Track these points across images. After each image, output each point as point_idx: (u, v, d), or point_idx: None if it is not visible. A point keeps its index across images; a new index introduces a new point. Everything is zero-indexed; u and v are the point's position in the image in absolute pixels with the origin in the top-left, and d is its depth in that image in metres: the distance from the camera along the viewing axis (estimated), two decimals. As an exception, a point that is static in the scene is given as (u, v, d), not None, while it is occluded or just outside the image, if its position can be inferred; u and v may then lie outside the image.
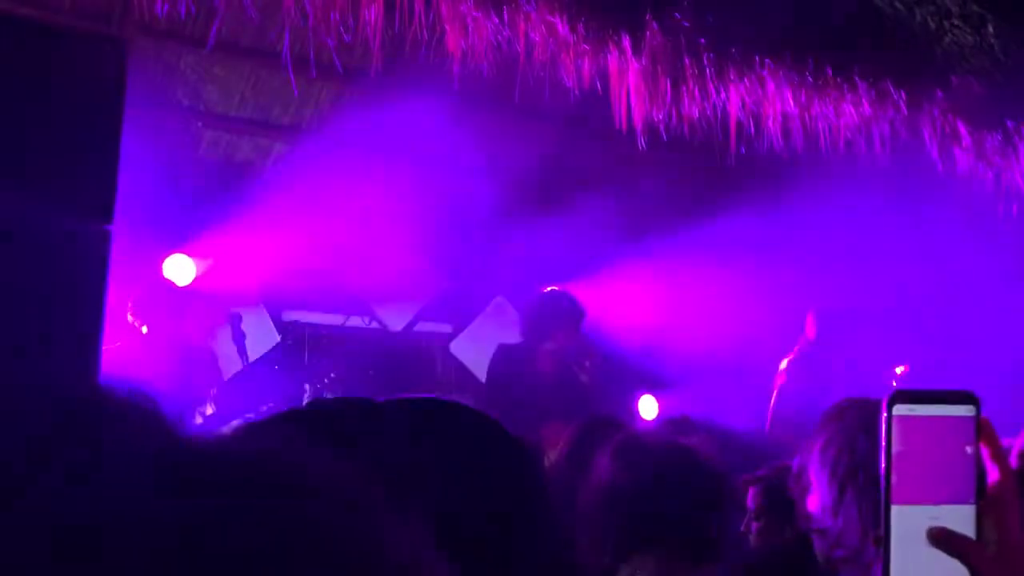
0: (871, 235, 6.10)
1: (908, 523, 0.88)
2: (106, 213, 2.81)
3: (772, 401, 5.32)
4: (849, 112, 3.74)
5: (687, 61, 3.36)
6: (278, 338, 6.37)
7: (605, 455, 2.13)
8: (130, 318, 4.63)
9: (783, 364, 5.41)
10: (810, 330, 5.48)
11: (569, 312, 5.23)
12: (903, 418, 0.90)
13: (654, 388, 6.78)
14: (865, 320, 5.67)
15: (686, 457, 2.09)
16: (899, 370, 5.51)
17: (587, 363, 5.35)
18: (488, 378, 5.28)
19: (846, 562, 1.53)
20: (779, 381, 5.38)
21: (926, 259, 5.82)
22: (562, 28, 3.20)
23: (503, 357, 5.27)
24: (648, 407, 6.64)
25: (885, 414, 0.90)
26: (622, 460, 2.08)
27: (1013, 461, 1.22)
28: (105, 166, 2.80)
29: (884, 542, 0.88)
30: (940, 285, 5.73)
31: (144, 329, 4.57)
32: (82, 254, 2.74)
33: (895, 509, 0.88)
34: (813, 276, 6.07)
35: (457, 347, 7.39)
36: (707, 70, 3.44)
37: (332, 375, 6.22)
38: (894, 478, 0.89)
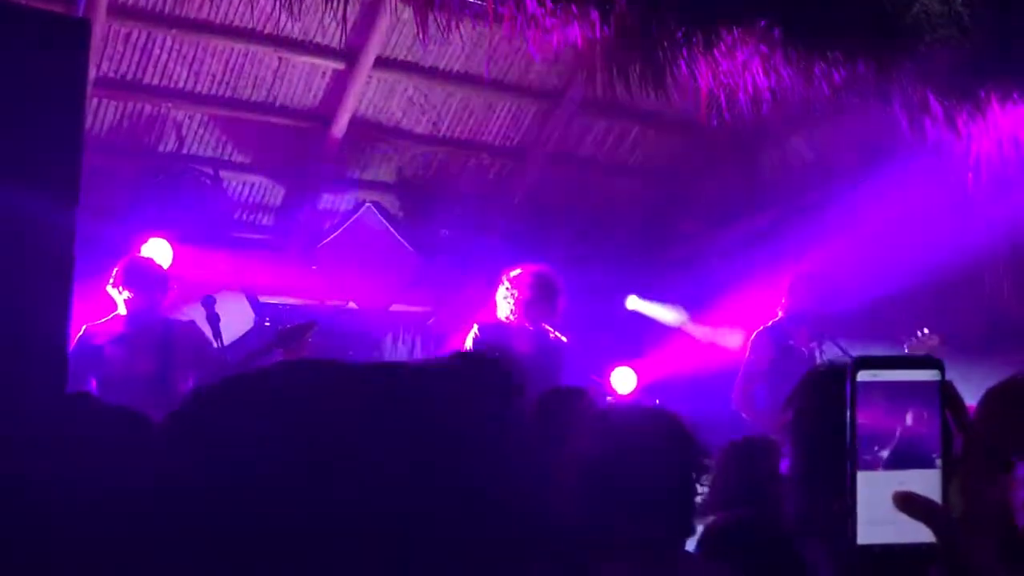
0: (851, 208, 6.14)
1: (874, 488, 0.89)
2: (71, 195, 2.79)
3: (740, 373, 5.33)
4: (819, 82, 3.75)
5: (656, 32, 3.35)
6: (253, 321, 6.35)
7: (582, 429, 2.11)
8: (111, 288, 4.60)
9: (752, 336, 5.41)
10: (784, 300, 5.47)
11: (550, 290, 5.23)
12: (867, 384, 0.91)
13: (631, 359, 6.83)
14: (848, 294, 5.69)
15: (670, 424, 2.07)
16: (921, 332, 5.49)
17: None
18: (466, 356, 5.27)
19: (810, 528, 1.55)
20: (749, 354, 5.38)
21: (907, 230, 5.86)
22: (530, 2, 3.19)
23: (480, 335, 5.27)
24: (624, 379, 6.67)
25: (849, 381, 0.91)
26: (601, 429, 2.07)
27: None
28: (69, 148, 2.78)
29: (850, 508, 0.89)
30: (922, 256, 5.76)
31: (127, 295, 4.54)
32: (48, 236, 2.72)
33: (861, 475, 0.89)
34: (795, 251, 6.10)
35: (436, 325, 7.40)
36: (676, 42, 3.43)
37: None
38: (860, 444, 0.90)
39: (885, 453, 0.90)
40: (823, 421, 1.57)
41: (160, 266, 4.89)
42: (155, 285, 4.65)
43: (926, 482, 0.89)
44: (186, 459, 1.03)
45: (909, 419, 0.91)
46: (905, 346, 5.54)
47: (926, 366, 0.92)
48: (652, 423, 2.09)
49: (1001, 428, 1.30)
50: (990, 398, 1.37)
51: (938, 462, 0.90)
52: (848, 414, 0.91)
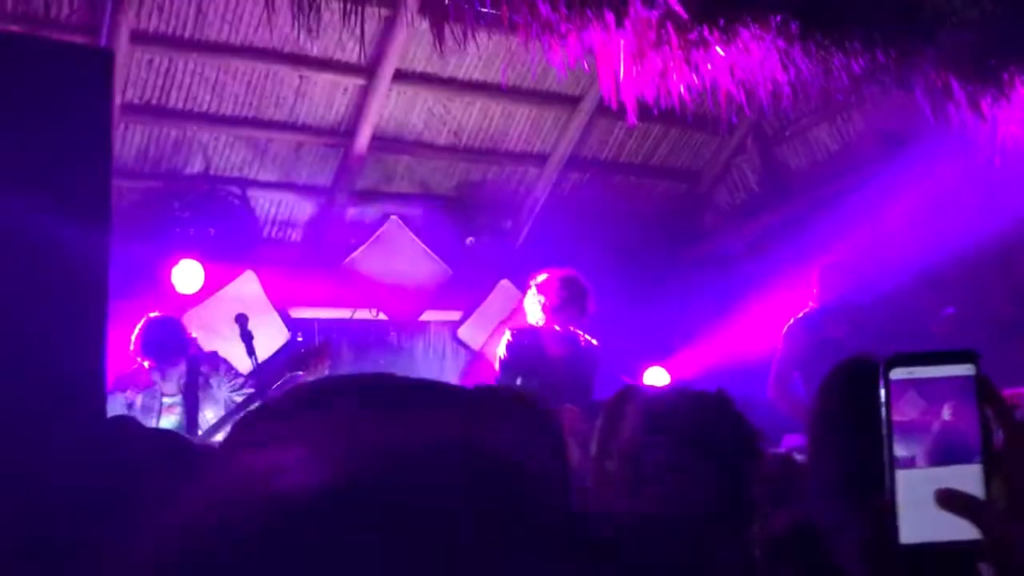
0: (877, 197, 6.09)
1: (914, 487, 0.87)
2: (103, 222, 2.84)
3: (774, 365, 5.30)
4: (839, 73, 3.73)
5: (672, 32, 3.36)
6: (287, 336, 6.41)
7: (630, 411, 2.03)
8: (133, 353, 4.72)
9: (786, 328, 5.38)
10: (815, 291, 5.44)
11: (578, 293, 5.24)
12: (901, 382, 0.90)
13: (663, 359, 6.81)
14: (880, 282, 5.64)
15: (719, 407, 1.97)
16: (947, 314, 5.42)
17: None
18: (499, 362, 5.30)
19: (847, 528, 1.54)
20: (782, 345, 5.35)
21: (935, 217, 5.80)
22: (544, 8, 3.20)
23: (513, 340, 5.29)
24: (657, 379, 6.66)
25: (882, 380, 0.90)
26: (648, 414, 1.98)
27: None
28: (98, 177, 2.83)
29: (891, 507, 0.88)
30: (951, 241, 5.70)
31: (148, 363, 4.67)
32: (83, 262, 2.77)
33: (900, 473, 0.88)
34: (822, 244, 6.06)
35: (465, 332, 7.43)
36: (691, 42, 3.43)
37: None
38: (897, 442, 0.89)
39: (924, 450, 0.89)
40: (855, 419, 1.57)
41: (176, 325, 4.94)
42: (174, 349, 4.74)
43: (968, 478, 0.87)
44: (229, 485, 1.04)
45: (947, 414, 0.90)
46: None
47: (960, 360, 0.91)
48: (696, 403, 2.00)
49: None
50: None
51: (979, 457, 0.88)
52: (883, 413, 0.90)
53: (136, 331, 4.77)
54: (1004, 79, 3.99)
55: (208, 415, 4.66)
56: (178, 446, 1.85)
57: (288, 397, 1.06)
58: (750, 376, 5.72)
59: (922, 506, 0.87)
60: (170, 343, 4.75)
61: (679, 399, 2.04)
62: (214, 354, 4.89)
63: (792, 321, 5.40)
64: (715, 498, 1.86)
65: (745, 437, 1.94)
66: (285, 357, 4.75)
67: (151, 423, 4.55)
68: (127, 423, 2.14)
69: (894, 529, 0.88)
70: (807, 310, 5.41)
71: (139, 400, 4.64)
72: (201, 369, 4.76)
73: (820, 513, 1.70)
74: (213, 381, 4.79)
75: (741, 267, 7.22)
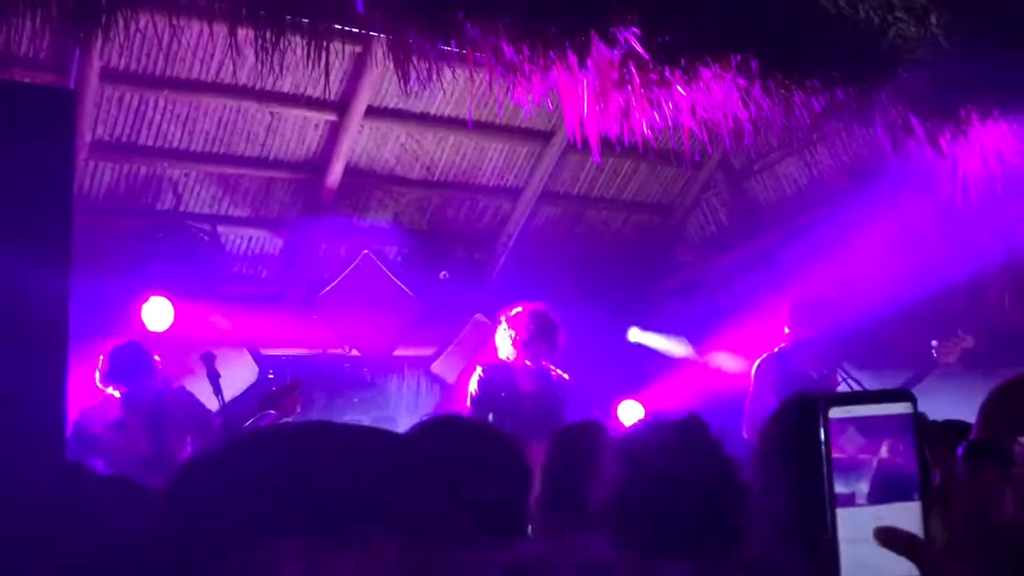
0: (847, 230, 6.16)
1: (855, 524, 0.88)
2: (63, 262, 2.83)
3: (747, 402, 5.32)
4: (799, 111, 3.79)
5: (634, 72, 3.40)
6: (257, 373, 6.37)
7: (610, 453, 2.05)
8: (99, 383, 4.66)
9: (757, 363, 5.40)
10: (787, 327, 5.47)
11: (548, 327, 5.26)
12: (840, 420, 0.91)
13: (636, 392, 6.82)
14: (849, 317, 5.68)
15: (699, 444, 1.99)
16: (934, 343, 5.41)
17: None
18: (470, 398, 5.29)
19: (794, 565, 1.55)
20: (754, 381, 5.37)
21: (903, 250, 5.87)
22: (508, 50, 3.24)
23: (484, 376, 5.30)
24: (631, 413, 6.66)
25: (821, 419, 0.91)
26: (628, 454, 2.00)
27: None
28: (59, 216, 2.82)
29: (831, 546, 0.88)
30: (921, 274, 5.76)
31: (115, 391, 4.61)
32: (42, 303, 2.75)
33: (841, 512, 0.89)
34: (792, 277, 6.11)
35: (439, 367, 7.41)
36: (653, 81, 3.48)
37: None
38: (837, 480, 0.90)
39: (863, 488, 0.90)
40: (801, 457, 1.58)
41: (142, 352, 4.89)
42: (140, 375, 4.69)
43: (906, 515, 0.88)
44: (180, 524, 1.05)
45: (885, 453, 0.91)
46: (934, 350, 5.44)
47: (897, 399, 0.92)
48: (677, 440, 2.01)
49: (999, 422, 1.30)
50: (990, 396, 1.37)
51: (917, 495, 0.89)
52: (823, 451, 0.91)
53: (101, 361, 4.72)
54: (962, 116, 4.07)
55: (176, 453, 4.61)
56: (129, 492, 1.84)
57: (227, 446, 1.08)
58: (724, 408, 5.73)
59: (862, 544, 0.88)
60: (137, 367, 4.70)
61: (656, 438, 2.06)
62: (182, 391, 4.84)
63: (762, 358, 5.43)
64: (699, 528, 1.89)
65: (724, 468, 1.96)
66: (256, 396, 4.72)
67: (119, 456, 4.49)
68: (80, 470, 2.12)
69: (835, 567, 0.88)
70: (779, 346, 5.45)
71: (107, 435, 4.58)
72: (168, 407, 4.71)
73: (771, 551, 1.70)
74: (182, 419, 4.73)
75: (713, 299, 7.26)
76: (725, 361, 6.88)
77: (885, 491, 0.90)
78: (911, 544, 0.87)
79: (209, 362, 4.47)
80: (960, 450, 1.23)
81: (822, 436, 0.91)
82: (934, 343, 5.43)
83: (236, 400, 5.51)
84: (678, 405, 6.81)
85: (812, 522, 1.57)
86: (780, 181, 7.32)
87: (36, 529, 1.75)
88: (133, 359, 4.75)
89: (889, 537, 0.87)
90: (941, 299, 5.93)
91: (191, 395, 4.72)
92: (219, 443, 1.08)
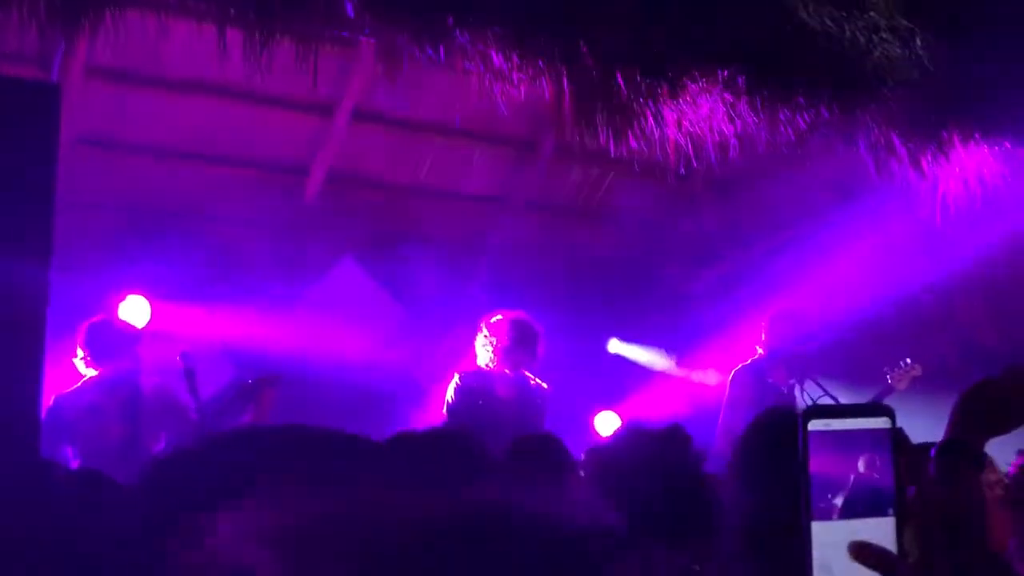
0: (827, 246, 6.21)
1: (829, 538, 0.88)
2: (43, 257, 2.80)
3: (722, 413, 5.35)
4: (784, 128, 3.82)
5: (621, 84, 3.42)
6: (233, 376, 6.32)
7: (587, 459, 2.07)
8: (76, 359, 4.58)
9: (732, 375, 5.44)
10: (763, 338, 5.51)
11: (529, 336, 5.26)
12: (819, 433, 0.90)
13: (614, 403, 6.83)
14: (825, 331, 5.73)
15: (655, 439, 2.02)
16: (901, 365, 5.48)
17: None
18: (447, 406, 5.28)
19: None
20: (729, 392, 5.40)
21: (882, 267, 5.92)
22: (496, 58, 3.25)
23: (461, 384, 5.29)
24: (607, 423, 6.67)
25: (800, 431, 0.91)
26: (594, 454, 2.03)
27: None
28: (41, 211, 2.80)
29: (805, 559, 0.88)
30: (897, 292, 5.82)
31: (91, 367, 4.52)
32: (20, 299, 2.72)
33: (815, 525, 0.88)
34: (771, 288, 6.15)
35: (418, 375, 7.38)
36: (641, 94, 3.50)
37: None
38: (813, 493, 0.90)
39: (839, 502, 0.90)
40: (774, 470, 1.59)
41: (121, 329, 4.83)
42: (118, 352, 4.62)
43: (880, 531, 0.88)
44: (154, 519, 1.06)
45: (862, 467, 0.91)
46: (888, 376, 5.54)
47: (877, 414, 0.92)
48: (659, 456, 2.04)
49: (969, 423, 1.32)
50: (961, 399, 1.39)
51: (892, 510, 0.89)
52: (800, 464, 0.91)
53: (79, 337, 4.65)
54: (944, 137, 4.12)
55: (150, 444, 4.54)
56: (101, 489, 1.83)
57: (206, 445, 1.10)
58: (702, 421, 5.75)
59: (836, 558, 0.87)
60: (115, 340, 4.63)
61: (636, 450, 2.09)
62: (161, 383, 4.76)
63: (738, 368, 5.46)
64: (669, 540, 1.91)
65: (698, 484, 1.99)
66: (235, 388, 4.68)
67: (92, 443, 4.42)
68: (53, 467, 2.10)
69: None
70: (754, 357, 5.48)
71: (81, 421, 4.50)
72: (145, 396, 4.64)
73: (738, 562, 1.71)
74: (158, 410, 4.67)
75: (695, 313, 7.29)
76: (705, 375, 6.90)
77: (860, 506, 0.90)
78: (884, 560, 0.87)
79: (187, 361, 4.44)
80: (932, 451, 1.25)
81: (800, 446, 0.91)
82: (887, 371, 5.53)
83: (212, 399, 5.46)
84: (656, 417, 6.83)
85: (785, 535, 1.58)
86: (762, 197, 7.35)
87: (7, 526, 1.74)
88: (111, 333, 4.70)
89: (862, 552, 0.87)
90: (917, 316, 5.99)
91: (170, 388, 4.65)
92: (194, 440, 1.11)
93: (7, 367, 2.38)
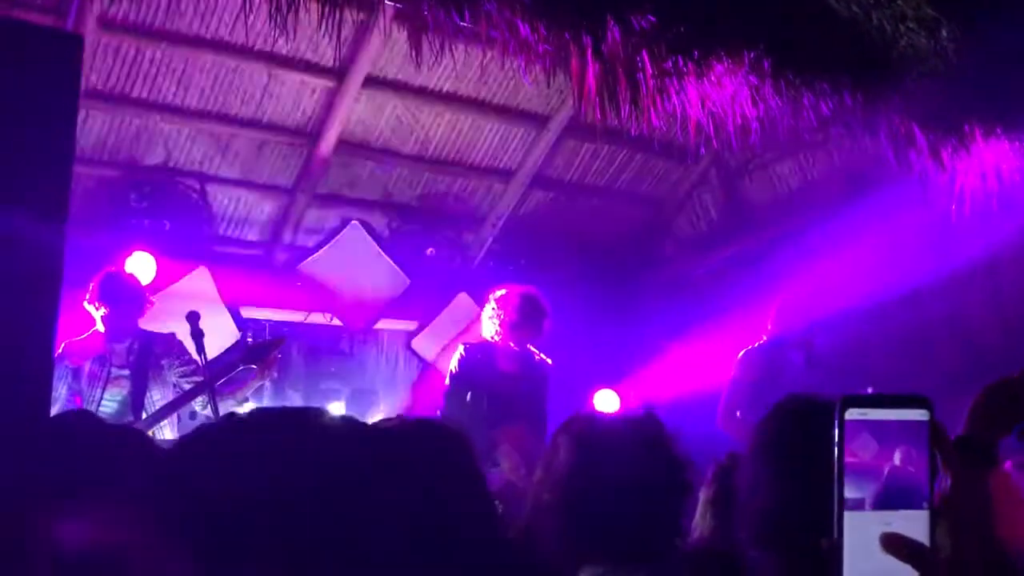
0: (835, 236, 6.19)
1: (862, 529, 0.87)
2: (60, 211, 2.77)
3: (725, 393, 5.36)
4: (807, 113, 3.79)
5: (647, 61, 3.38)
6: (237, 335, 6.32)
7: (565, 442, 2.07)
8: (87, 304, 4.57)
9: (741, 354, 5.45)
10: (770, 323, 5.51)
11: (537, 311, 5.25)
12: (855, 422, 0.89)
13: (615, 383, 6.84)
14: (831, 322, 5.72)
15: (653, 442, 2.03)
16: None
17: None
18: (449, 376, 5.27)
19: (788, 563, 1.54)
20: (734, 373, 5.42)
21: (890, 260, 5.91)
22: (523, 28, 3.21)
23: (466, 355, 5.28)
24: (607, 401, 6.68)
25: (837, 419, 0.90)
26: (582, 446, 2.03)
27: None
28: (59, 164, 2.76)
29: (836, 548, 0.87)
30: (905, 288, 5.81)
31: (103, 311, 4.51)
32: (36, 252, 2.69)
33: (848, 515, 0.88)
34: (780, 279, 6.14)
35: (419, 343, 7.39)
36: (667, 71, 3.46)
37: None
38: (847, 483, 0.88)
39: (873, 493, 0.89)
40: (804, 456, 1.58)
41: (136, 280, 4.84)
42: (131, 300, 4.62)
43: (913, 523, 0.87)
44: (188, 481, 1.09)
45: (897, 458, 0.90)
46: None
47: (915, 405, 0.91)
48: (631, 437, 2.04)
49: (985, 420, 1.32)
50: (979, 397, 1.39)
51: (926, 503, 0.88)
52: (836, 453, 0.89)
53: (94, 281, 4.65)
54: (965, 130, 4.09)
55: (155, 396, 4.54)
56: (134, 442, 1.82)
57: (228, 425, 1.16)
58: (701, 404, 5.76)
59: (867, 549, 0.87)
60: (128, 291, 4.63)
61: (614, 429, 2.08)
62: (171, 336, 4.76)
63: (746, 350, 5.47)
64: (638, 526, 1.91)
65: (675, 469, 1.99)
66: (239, 350, 4.68)
67: (96, 392, 4.42)
68: (70, 419, 2.09)
69: (839, 569, 0.87)
70: (761, 341, 5.49)
71: (87, 366, 4.49)
72: (154, 348, 4.64)
73: (748, 548, 1.70)
74: (165, 363, 4.66)
75: (698, 296, 7.28)
76: (707, 357, 6.89)
77: (895, 497, 0.89)
78: (916, 552, 0.86)
79: (193, 321, 4.41)
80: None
81: (836, 436, 0.90)
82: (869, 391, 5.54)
83: (216, 359, 5.45)
84: (656, 396, 6.84)
85: (814, 524, 1.57)
86: (773, 182, 7.33)
87: (18, 478, 1.73)
88: (125, 283, 4.70)
89: (895, 544, 0.86)
90: (925, 312, 5.98)
91: (180, 344, 4.64)
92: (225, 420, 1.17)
93: (24, 319, 2.35)
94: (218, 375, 4.36)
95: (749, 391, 5.29)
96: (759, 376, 5.28)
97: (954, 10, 4.05)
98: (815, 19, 3.69)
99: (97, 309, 4.56)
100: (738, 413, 5.32)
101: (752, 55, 3.51)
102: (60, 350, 4.44)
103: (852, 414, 0.90)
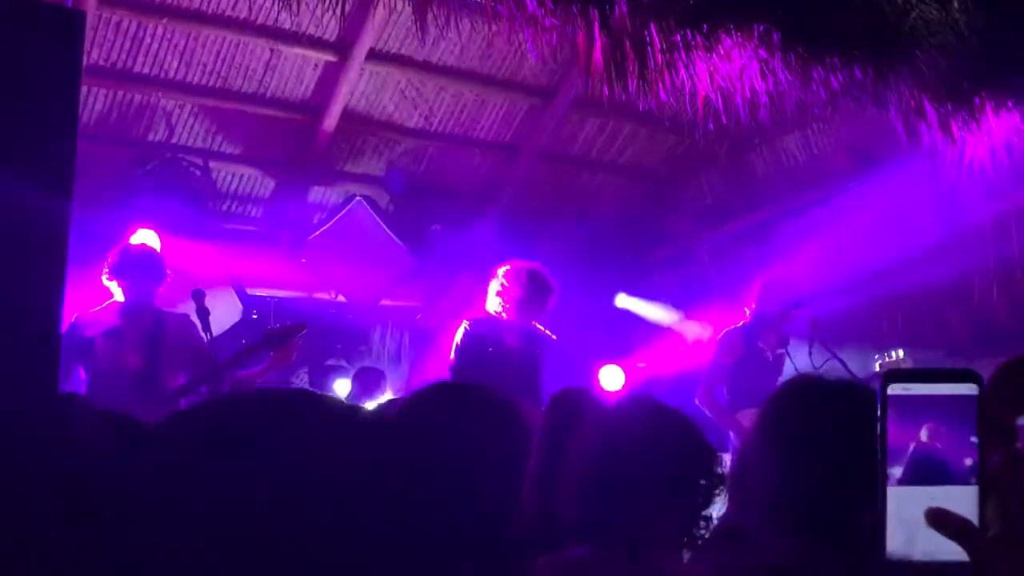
0: (842, 211, 6.17)
1: (906, 504, 0.86)
2: (65, 187, 2.75)
3: (705, 370, 5.40)
4: (817, 87, 3.75)
5: (655, 35, 3.34)
6: (241, 312, 6.31)
7: (587, 425, 2.07)
8: (105, 278, 4.50)
9: (722, 334, 5.47)
10: (752, 303, 5.52)
11: (543, 288, 5.24)
12: (899, 397, 0.87)
13: (619, 357, 6.83)
14: (832, 297, 5.71)
15: (671, 421, 2.02)
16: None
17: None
18: (454, 350, 5.27)
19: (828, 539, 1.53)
20: (714, 353, 5.45)
21: (897, 234, 5.89)
22: (530, 2, 3.17)
23: (470, 329, 5.26)
24: (612, 377, 6.68)
25: (880, 393, 0.88)
26: (604, 429, 2.02)
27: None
28: (63, 140, 2.74)
29: (879, 523, 0.86)
30: (911, 261, 5.80)
31: (121, 285, 4.45)
32: (42, 228, 2.68)
33: (891, 490, 0.86)
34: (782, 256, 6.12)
35: (424, 319, 7.39)
36: (675, 45, 3.42)
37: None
38: (890, 458, 0.86)
39: (917, 468, 0.87)
40: (816, 436, 1.56)
41: (156, 254, 4.76)
42: (150, 275, 4.53)
43: (961, 499, 0.86)
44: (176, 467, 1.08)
45: (944, 434, 0.87)
46: (879, 364, 5.56)
47: (964, 379, 0.88)
48: (660, 425, 2.03)
49: (1001, 400, 1.30)
50: (993, 376, 1.36)
51: (974, 479, 0.86)
52: (878, 427, 0.87)
53: (111, 255, 4.60)
54: (976, 103, 4.04)
55: (167, 375, 4.47)
56: (124, 430, 1.80)
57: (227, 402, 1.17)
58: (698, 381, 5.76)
59: (911, 524, 0.85)
60: (147, 263, 4.56)
61: (637, 414, 2.07)
62: (185, 317, 4.68)
63: (726, 330, 5.50)
64: (663, 510, 1.90)
65: (701, 458, 1.98)
66: (263, 334, 4.62)
67: (110, 369, 4.37)
68: (76, 400, 2.07)
69: (881, 543, 0.86)
70: (743, 321, 5.51)
71: (100, 340, 4.44)
72: (168, 327, 4.59)
73: (771, 532, 1.68)
74: (178, 343, 4.62)
75: (703, 271, 7.26)
76: (710, 333, 6.89)
77: (940, 473, 0.87)
78: (963, 529, 0.84)
79: (199, 299, 4.39)
80: None
81: (879, 409, 0.87)
82: (877, 358, 5.55)
83: (222, 336, 5.44)
84: (659, 372, 6.84)
85: (830, 503, 1.56)
86: (779, 156, 7.29)
87: (27, 462, 1.71)
88: (143, 257, 4.62)
89: (941, 520, 0.85)
90: (930, 285, 5.96)
91: (193, 324, 4.56)
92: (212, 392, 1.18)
93: (29, 297, 2.33)
94: (236, 360, 4.32)
95: (727, 371, 5.36)
96: (738, 357, 5.33)
97: (965, -19, 4.00)
98: (825, -9, 3.65)
99: (114, 283, 4.49)
100: (715, 391, 5.39)
101: (762, 28, 3.47)
102: (73, 320, 4.39)
103: (895, 389, 0.87)
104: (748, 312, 5.48)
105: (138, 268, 4.48)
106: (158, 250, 5.11)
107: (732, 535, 2.01)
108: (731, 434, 5.27)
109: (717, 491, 1.95)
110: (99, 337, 4.42)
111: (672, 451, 1.94)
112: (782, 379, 5.20)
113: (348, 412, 1.32)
